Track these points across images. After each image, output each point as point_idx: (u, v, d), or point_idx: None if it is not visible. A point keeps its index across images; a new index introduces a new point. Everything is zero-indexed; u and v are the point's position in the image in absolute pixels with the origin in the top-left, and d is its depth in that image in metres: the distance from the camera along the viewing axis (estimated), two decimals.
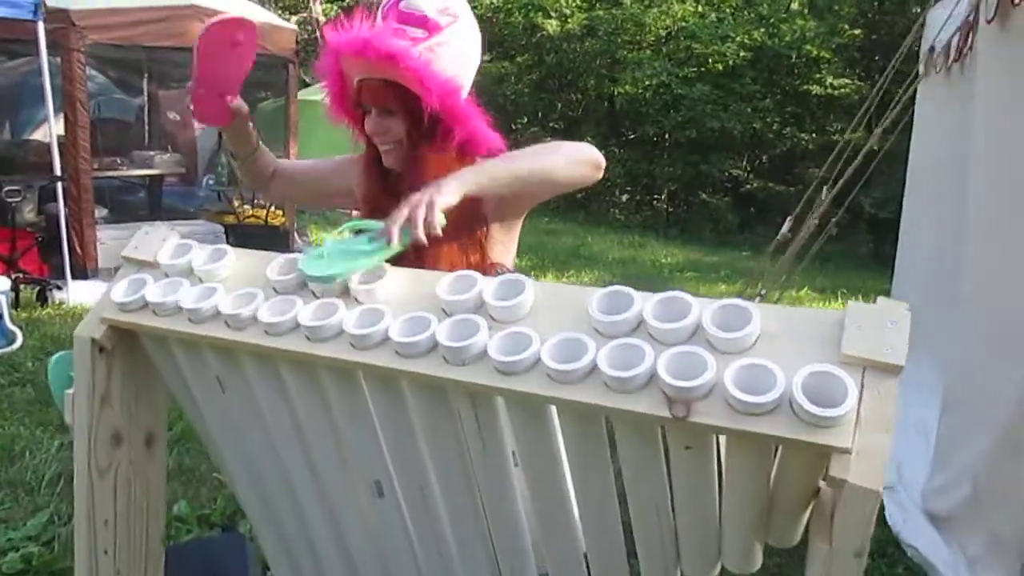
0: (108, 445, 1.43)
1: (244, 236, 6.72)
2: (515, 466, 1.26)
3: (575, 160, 1.42)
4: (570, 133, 14.29)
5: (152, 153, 7.44)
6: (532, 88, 14.98)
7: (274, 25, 6.48)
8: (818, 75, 13.49)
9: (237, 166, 1.64)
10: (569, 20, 13.64)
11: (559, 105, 15.30)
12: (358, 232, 1.34)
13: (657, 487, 1.14)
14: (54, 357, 1.49)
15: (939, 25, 4.31)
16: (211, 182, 8.22)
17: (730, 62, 13.22)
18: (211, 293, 1.30)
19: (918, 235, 4.54)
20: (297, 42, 6.48)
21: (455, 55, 1.44)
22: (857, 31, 13.39)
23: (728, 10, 13.69)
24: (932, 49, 4.31)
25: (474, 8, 1.51)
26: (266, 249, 1.40)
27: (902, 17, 13.95)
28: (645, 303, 1.07)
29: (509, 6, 14.24)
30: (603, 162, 1.44)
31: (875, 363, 0.96)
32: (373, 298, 1.23)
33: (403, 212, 1.28)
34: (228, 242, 6.62)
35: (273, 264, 1.32)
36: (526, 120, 14.61)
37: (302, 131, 7.70)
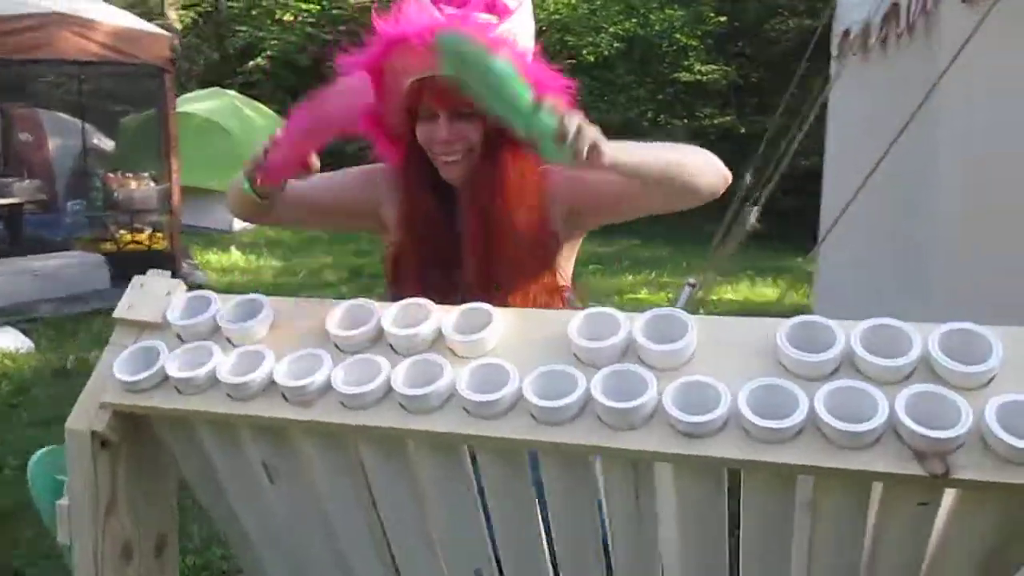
0: (117, 562, 1.12)
1: (127, 264, 6.13)
2: None
3: (705, 165, 1.18)
4: None
5: (9, 180, 6.70)
6: None
7: (145, 31, 5.92)
8: (687, 62, 13.78)
9: (253, 202, 1.29)
10: None
11: None
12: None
13: (857, 550, 0.95)
14: (34, 458, 1.16)
15: (851, 9, 4.35)
16: (78, 208, 7.52)
17: (604, 53, 13.31)
18: (259, 360, 1.02)
19: (843, 218, 4.58)
20: (172, 49, 5.94)
21: (525, 43, 1.21)
22: (723, 18, 13.77)
23: (599, 1, 13.77)
24: (848, 32, 4.33)
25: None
26: None
27: (756, 3, 14.44)
28: (850, 333, 0.88)
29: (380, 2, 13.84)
30: (729, 174, 1.21)
31: None
32: (479, 349, 0.98)
33: (575, 117, 1.03)
34: (111, 272, 6.09)
35: (334, 314, 1.05)
36: None
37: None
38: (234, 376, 1.01)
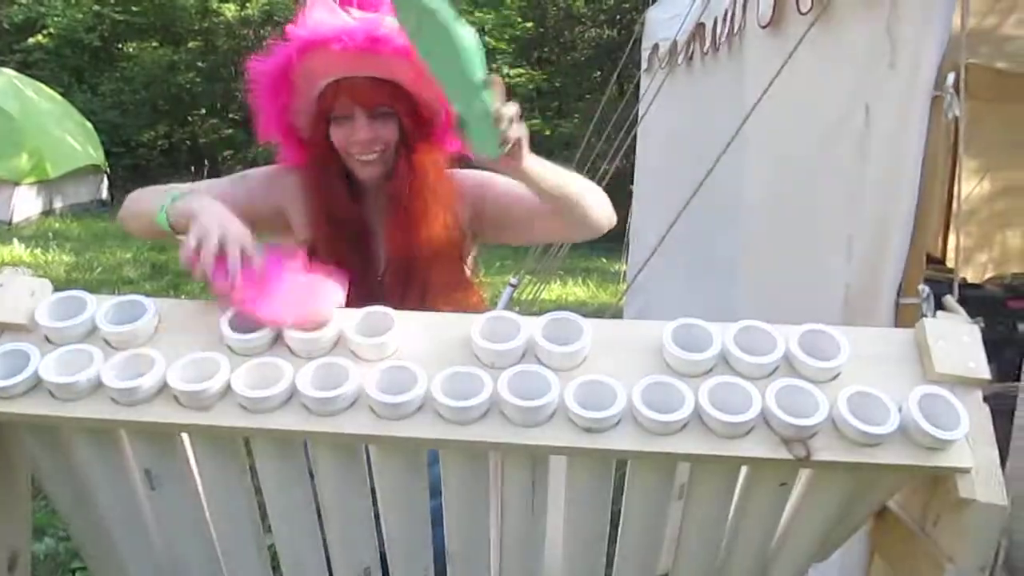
0: None
1: None
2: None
3: (603, 202, 1.24)
4: (252, 125, 13.47)
5: None
6: (205, 77, 13.93)
7: None
8: (495, 65, 14.12)
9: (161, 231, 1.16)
10: (248, 4, 12.84)
11: (238, 95, 14.41)
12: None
13: (721, 528, 1.07)
14: None
15: (661, 25, 4.64)
16: None
17: None
18: (148, 364, 0.98)
19: (649, 218, 4.89)
20: None
21: None
22: (529, 24, 14.20)
23: None
24: (657, 47, 4.61)
25: None
26: None
27: (555, 9, 15.01)
28: (725, 335, 0.99)
29: None
30: (615, 217, 1.26)
31: (964, 379, 0.97)
32: (383, 352, 1.01)
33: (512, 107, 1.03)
34: None
35: (227, 318, 1.03)
36: (204, 111, 13.56)
37: None
38: (121, 380, 0.97)
